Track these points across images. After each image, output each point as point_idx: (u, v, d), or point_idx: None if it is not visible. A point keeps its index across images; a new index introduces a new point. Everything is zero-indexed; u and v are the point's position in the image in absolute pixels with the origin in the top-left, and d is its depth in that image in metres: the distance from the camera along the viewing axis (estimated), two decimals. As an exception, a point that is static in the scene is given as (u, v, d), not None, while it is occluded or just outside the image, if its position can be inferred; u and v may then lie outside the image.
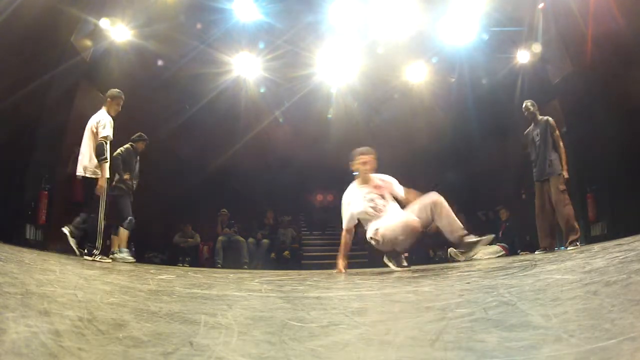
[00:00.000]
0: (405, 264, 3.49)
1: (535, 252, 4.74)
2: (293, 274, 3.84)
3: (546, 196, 4.65)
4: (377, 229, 3.24)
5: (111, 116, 4.32)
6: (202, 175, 7.85)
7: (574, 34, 5.84)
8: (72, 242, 4.18)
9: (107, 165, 4.22)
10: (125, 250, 4.85)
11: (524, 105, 4.92)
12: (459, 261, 5.95)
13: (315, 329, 1.03)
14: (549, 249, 4.59)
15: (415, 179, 7.73)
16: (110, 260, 4.20)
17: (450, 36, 6.83)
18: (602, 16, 5.16)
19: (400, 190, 3.51)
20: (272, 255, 7.48)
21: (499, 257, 6.06)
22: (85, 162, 4.23)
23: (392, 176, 3.61)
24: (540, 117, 4.82)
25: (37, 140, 5.32)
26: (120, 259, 4.75)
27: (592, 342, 0.72)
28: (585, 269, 1.82)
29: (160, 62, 6.90)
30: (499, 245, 6.52)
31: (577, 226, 4.42)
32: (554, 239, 4.64)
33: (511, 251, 6.44)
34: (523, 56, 6.88)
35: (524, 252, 5.90)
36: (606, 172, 5.72)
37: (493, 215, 7.47)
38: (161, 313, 1.19)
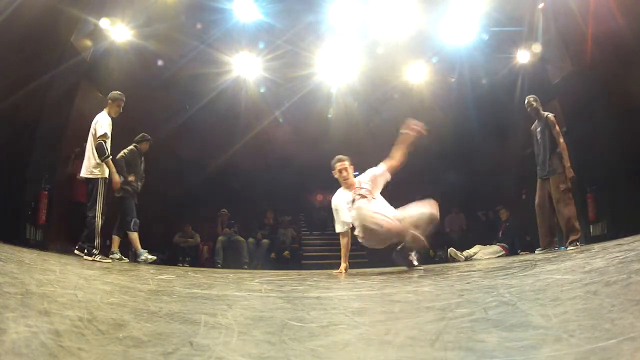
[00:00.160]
0: (415, 263, 3.48)
1: (536, 251, 4.74)
2: (293, 274, 3.84)
3: (546, 194, 4.62)
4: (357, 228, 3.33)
5: (112, 117, 4.41)
6: (202, 175, 7.85)
7: (574, 33, 5.84)
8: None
9: (111, 162, 4.29)
10: (142, 251, 4.87)
11: (526, 101, 4.85)
12: (459, 261, 5.97)
13: (315, 329, 1.03)
14: (548, 247, 4.57)
15: (415, 179, 7.76)
16: (110, 260, 4.21)
17: (450, 36, 6.83)
18: (602, 16, 5.15)
19: (381, 170, 3.54)
20: (272, 255, 7.48)
21: (499, 257, 6.06)
22: (86, 163, 4.33)
23: (392, 176, 3.62)
24: (543, 112, 4.76)
25: (37, 140, 5.32)
26: (143, 260, 4.77)
27: (592, 342, 0.72)
28: (585, 269, 1.82)
29: (160, 62, 6.90)
30: (499, 245, 6.53)
31: (577, 226, 4.38)
32: (554, 238, 4.61)
33: (511, 251, 6.43)
34: (523, 56, 6.88)
35: (524, 252, 5.90)
36: (606, 172, 5.71)
37: (493, 215, 7.47)
38: (161, 313, 1.19)
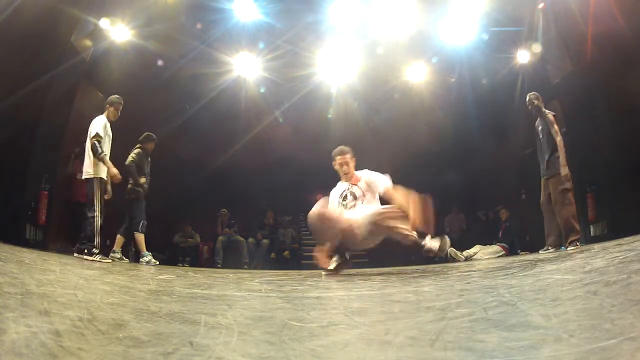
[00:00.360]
0: (332, 267, 3.18)
1: (540, 251, 4.71)
2: (293, 274, 3.84)
3: (547, 194, 4.60)
4: None
5: (111, 121, 4.52)
6: (202, 175, 7.85)
7: (574, 33, 5.84)
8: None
9: (106, 158, 4.31)
10: (146, 253, 4.89)
11: (527, 99, 4.81)
12: (459, 261, 5.97)
13: (315, 329, 1.03)
14: (553, 246, 4.55)
15: (415, 179, 7.75)
16: (110, 261, 4.22)
17: (450, 36, 6.82)
18: (602, 16, 5.15)
19: (381, 187, 3.27)
20: (272, 255, 7.48)
21: (499, 257, 6.06)
22: (84, 163, 4.41)
23: (392, 176, 3.46)
24: (544, 110, 4.71)
25: (37, 140, 5.32)
26: (145, 262, 4.80)
27: (592, 342, 0.72)
28: (585, 269, 1.82)
29: (160, 62, 6.89)
30: (499, 245, 6.53)
31: (577, 227, 4.35)
32: (558, 237, 4.58)
33: (511, 251, 6.44)
34: (523, 56, 6.88)
35: (524, 252, 5.90)
36: (606, 172, 5.71)
37: (493, 215, 7.47)
38: (161, 313, 1.19)
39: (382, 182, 3.27)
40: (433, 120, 8.00)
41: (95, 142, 4.28)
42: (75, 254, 4.23)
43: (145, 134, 5.37)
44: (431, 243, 3.08)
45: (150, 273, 3.20)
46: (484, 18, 6.53)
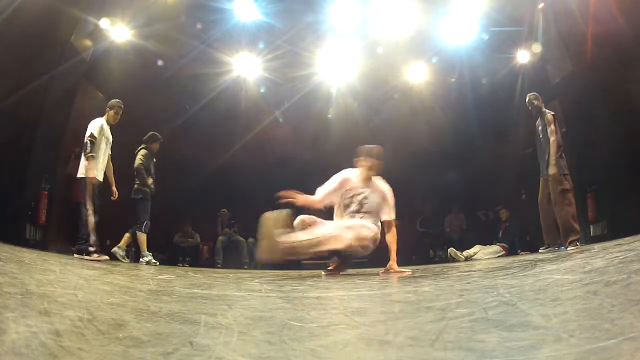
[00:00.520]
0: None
1: (539, 250, 4.72)
2: (293, 274, 3.84)
3: (546, 193, 4.60)
4: None
5: (110, 124, 4.60)
6: (202, 175, 7.84)
7: (574, 34, 5.84)
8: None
9: (92, 159, 4.34)
10: (146, 253, 4.91)
11: (527, 99, 4.82)
12: (459, 261, 5.97)
13: (315, 329, 1.03)
14: (551, 245, 4.55)
15: (415, 179, 7.76)
16: (107, 258, 4.21)
17: (450, 36, 6.82)
18: (602, 16, 5.15)
19: (385, 215, 3.27)
20: (272, 255, 7.47)
21: (499, 257, 6.06)
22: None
23: (392, 176, 3.51)
24: (544, 110, 4.72)
25: (37, 140, 5.32)
26: (145, 262, 4.82)
27: (592, 342, 0.72)
28: (585, 269, 1.82)
29: (160, 62, 6.89)
30: (499, 245, 6.53)
31: (577, 227, 4.35)
32: (557, 237, 4.58)
33: (511, 251, 6.44)
34: (523, 56, 6.88)
35: (524, 252, 5.90)
36: (606, 172, 5.71)
37: (493, 215, 7.47)
38: (161, 313, 1.19)
39: (389, 212, 3.28)
40: (433, 120, 8.00)
41: (88, 141, 4.34)
42: (75, 255, 4.24)
43: (151, 133, 5.38)
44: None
45: (150, 273, 3.20)
46: (484, 18, 6.53)
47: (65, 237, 5.32)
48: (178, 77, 7.18)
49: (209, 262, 7.08)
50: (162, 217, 7.36)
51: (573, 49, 6.01)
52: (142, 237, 4.95)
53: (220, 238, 7.22)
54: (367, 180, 3.32)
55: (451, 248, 6.37)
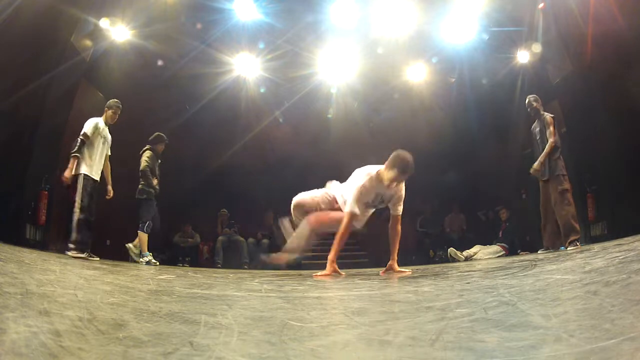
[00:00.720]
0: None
1: (538, 252, 4.73)
2: (293, 274, 3.84)
3: (547, 196, 4.62)
4: None
5: (109, 124, 4.60)
6: (202, 175, 7.84)
7: (574, 34, 5.84)
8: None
9: (74, 160, 4.31)
10: (147, 253, 4.93)
11: (526, 101, 4.84)
12: (459, 261, 5.97)
13: (315, 329, 1.03)
14: (552, 248, 4.57)
15: (415, 179, 7.74)
16: (84, 255, 4.08)
17: (450, 36, 6.83)
18: (602, 16, 5.15)
19: (395, 210, 3.23)
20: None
21: (499, 257, 6.07)
22: None
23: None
24: (543, 112, 4.75)
25: (37, 140, 5.32)
26: (145, 262, 4.83)
27: (592, 342, 0.72)
28: (585, 269, 1.82)
29: (160, 62, 6.89)
30: (499, 245, 6.53)
31: (577, 226, 4.37)
32: (558, 239, 4.60)
33: (511, 251, 6.44)
34: (523, 56, 6.88)
35: (524, 252, 5.90)
36: (606, 172, 5.71)
37: (493, 215, 7.48)
38: (161, 313, 1.19)
39: (399, 208, 3.25)
40: (433, 120, 8.00)
41: (79, 140, 4.34)
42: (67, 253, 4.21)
43: (156, 134, 5.41)
44: None
45: (150, 273, 3.20)
46: (484, 18, 6.53)
47: (65, 237, 5.32)
48: (178, 77, 7.18)
49: (209, 262, 7.08)
50: (162, 217, 7.37)
51: (573, 49, 6.01)
52: (143, 237, 4.99)
53: (220, 238, 7.22)
54: (388, 187, 3.15)
55: (451, 248, 6.37)
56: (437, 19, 6.64)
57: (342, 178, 3.50)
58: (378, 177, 3.09)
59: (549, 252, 4.48)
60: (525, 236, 6.74)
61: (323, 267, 3.10)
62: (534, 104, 4.79)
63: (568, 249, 4.22)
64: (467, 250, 6.29)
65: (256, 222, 8.03)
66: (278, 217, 8.24)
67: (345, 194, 3.22)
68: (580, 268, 1.91)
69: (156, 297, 1.60)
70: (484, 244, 6.53)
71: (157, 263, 5.01)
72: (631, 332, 0.76)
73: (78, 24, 5.61)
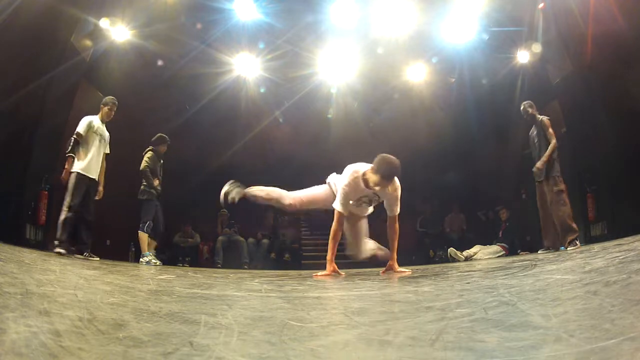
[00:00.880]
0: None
1: (539, 252, 4.74)
2: (293, 274, 3.84)
3: (544, 197, 4.67)
4: None
5: (105, 121, 4.57)
6: (202, 175, 7.84)
7: (574, 34, 5.84)
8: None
9: (70, 160, 4.30)
10: (147, 253, 4.93)
11: (521, 108, 4.94)
12: (459, 261, 5.97)
13: (315, 329, 1.03)
14: (552, 248, 4.59)
15: (415, 179, 7.75)
16: (64, 252, 4.04)
17: (450, 36, 6.83)
18: (602, 16, 5.15)
19: (391, 211, 3.16)
20: (272, 255, 7.48)
21: (499, 257, 6.07)
22: None
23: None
24: (538, 117, 4.83)
25: (37, 140, 5.32)
26: (145, 262, 4.83)
27: (592, 342, 0.72)
28: (585, 269, 1.82)
29: (160, 62, 6.89)
30: (499, 245, 6.53)
31: (574, 226, 4.42)
32: (557, 239, 4.63)
33: (511, 251, 6.44)
34: (523, 56, 6.88)
35: (524, 252, 5.90)
36: (606, 172, 5.71)
37: (493, 215, 7.48)
38: (161, 313, 1.19)
39: (395, 209, 3.16)
40: (433, 120, 8.00)
41: (72, 139, 4.33)
42: (76, 255, 4.24)
43: (158, 135, 5.42)
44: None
45: (150, 273, 3.20)
46: (484, 18, 6.53)
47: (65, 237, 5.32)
48: (178, 77, 7.18)
49: (209, 262, 7.08)
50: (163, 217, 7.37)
51: (573, 49, 6.01)
52: (144, 237, 5.00)
53: (220, 238, 7.22)
54: (370, 188, 3.09)
55: (451, 248, 6.37)
56: (437, 19, 6.64)
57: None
58: (364, 178, 3.04)
59: (549, 252, 4.50)
60: (525, 236, 6.74)
61: (323, 267, 3.10)
62: (529, 110, 4.88)
63: (568, 248, 4.25)
64: (467, 250, 6.29)
65: (256, 222, 8.03)
66: (278, 217, 8.27)
67: (337, 188, 3.23)
68: (580, 268, 1.91)
69: (156, 297, 1.60)
70: (484, 244, 6.53)
71: (158, 263, 5.00)
72: (631, 332, 0.76)
73: (78, 24, 5.61)
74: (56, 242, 4.12)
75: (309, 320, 1.16)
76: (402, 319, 1.12)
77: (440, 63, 7.47)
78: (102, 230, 5.42)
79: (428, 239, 7.93)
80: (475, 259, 6.04)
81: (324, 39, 6.95)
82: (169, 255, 6.97)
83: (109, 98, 4.64)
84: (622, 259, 1.90)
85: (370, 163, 3.02)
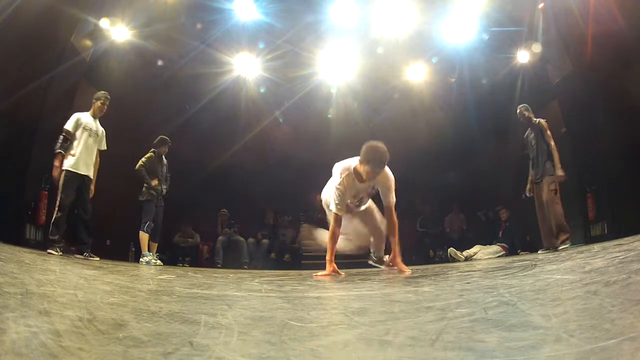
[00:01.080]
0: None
1: (539, 252, 4.76)
2: (293, 274, 3.85)
3: (541, 197, 4.72)
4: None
5: (97, 117, 4.52)
6: (202, 175, 7.84)
7: (574, 34, 5.84)
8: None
9: (59, 157, 4.27)
10: (147, 253, 4.94)
11: (518, 111, 5.00)
12: (459, 261, 5.97)
13: (315, 329, 1.03)
14: (552, 248, 4.61)
15: (415, 179, 7.75)
16: (55, 252, 4.00)
17: (450, 36, 6.83)
18: (602, 16, 5.15)
19: (386, 200, 3.11)
20: (272, 255, 7.48)
21: (499, 257, 6.06)
22: None
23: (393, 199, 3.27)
24: (535, 119, 4.90)
25: (37, 140, 5.32)
26: (145, 262, 4.83)
27: (592, 342, 0.72)
28: (585, 269, 1.82)
29: (160, 62, 6.90)
30: (499, 245, 6.53)
31: (567, 226, 4.52)
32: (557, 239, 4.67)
33: (511, 251, 6.44)
34: (523, 56, 6.88)
35: (524, 252, 5.90)
36: (606, 172, 5.71)
37: (493, 215, 7.48)
38: (161, 313, 1.19)
39: (390, 198, 3.09)
40: (433, 120, 8.00)
41: (60, 136, 4.30)
42: (76, 255, 4.24)
43: (160, 137, 5.44)
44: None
45: (150, 273, 3.20)
46: (484, 18, 6.53)
47: (65, 237, 5.32)
48: (178, 77, 7.18)
49: (209, 262, 7.08)
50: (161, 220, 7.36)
51: (573, 49, 6.01)
52: (144, 237, 5.02)
53: (220, 238, 7.22)
54: (365, 181, 3.07)
55: (451, 248, 6.37)
56: (437, 19, 6.64)
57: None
58: (356, 173, 3.00)
59: (549, 252, 4.50)
60: (525, 236, 6.74)
61: (323, 267, 3.10)
62: (526, 113, 4.95)
63: (559, 248, 4.33)
64: (467, 250, 6.29)
65: (256, 222, 8.03)
66: (278, 217, 8.27)
67: (329, 191, 3.21)
68: (580, 268, 1.91)
69: (156, 297, 1.60)
70: (484, 244, 6.53)
71: (157, 263, 5.00)
72: (631, 332, 0.76)
73: (78, 24, 5.61)
74: (49, 242, 4.10)
75: (309, 320, 1.16)
76: (402, 319, 1.12)
77: (440, 63, 7.47)
78: (102, 230, 5.42)
79: (428, 239, 7.93)
80: (475, 259, 6.04)
81: (324, 39, 6.95)
82: (169, 255, 6.97)
83: (101, 93, 4.57)
84: (622, 259, 1.90)
85: (357, 156, 2.97)
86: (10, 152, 4.83)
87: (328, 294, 1.94)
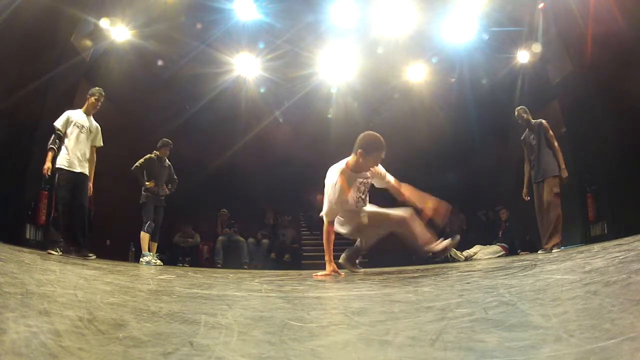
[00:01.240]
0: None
1: (539, 252, 4.76)
2: (293, 274, 3.84)
3: (542, 197, 4.70)
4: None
5: (90, 113, 4.46)
6: (203, 175, 7.84)
7: (574, 34, 5.84)
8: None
9: (51, 153, 4.23)
10: (147, 253, 4.95)
11: (516, 114, 4.98)
12: (459, 261, 5.97)
13: (315, 329, 1.03)
14: (542, 250, 4.62)
15: (415, 179, 7.74)
16: (55, 253, 3.99)
17: (450, 36, 6.83)
18: (602, 16, 5.16)
19: (384, 182, 3.20)
20: (272, 255, 7.49)
21: (499, 257, 6.07)
22: None
23: (392, 176, 3.40)
24: (534, 121, 4.88)
25: (37, 140, 5.32)
26: (145, 262, 4.83)
27: (592, 342, 0.72)
28: (585, 269, 1.82)
29: (160, 62, 6.90)
30: (499, 245, 6.53)
31: (560, 229, 4.52)
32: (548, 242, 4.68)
33: (511, 251, 6.44)
34: (523, 56, 6.88)
35: (524, 252, 5.90)
36: (606, 172, 5.72)
37: (493, 215, 7.48)
38: (161, 313, 1.18)
39: (389, 180, 3.18)
40: (433, 120, 8.00)
41: (54, 134, 4.27)
42: (74, 255, 4.23)
43: (162, 139, 5.46)
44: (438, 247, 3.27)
45: (150, 273, 3.20)
46: (484, 18, 6.53)
47: (65, 237, 5.32)
48: (178, 77, 7.19)
49: (209, 262, 7.08)
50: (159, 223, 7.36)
51: (573, 49, 6.02)
52: (145, 237, 5.03)
53: (220, 238, 7.22)
54: (366, 171, 3.13)
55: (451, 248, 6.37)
56: (437, 19, 6.65)
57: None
58: (349, 167, 3.06)
59: (547, 252, 4.50)
60: (525, 236, 6.74)
61: (323, 267, 3.10)
62: (524, 115, 4.92)
63: (553, 250, 4.32)
64: (467, 250, 6.29)
65: (256, 222, 8.03)
66: (278, 217, 8.27)
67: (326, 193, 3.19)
68: (580, 268, 1.90)
69: (156, 297, 1.60)
70: (484, 244, 6.53)
71: (157, 263, 5.00)
72: (631, 332, 0.76)
73: (78, 24, 5.62)
74: (48, 242, 4.13)
75: (309, 320, 1.16)
76: (402, 319, 1.12)
77: (440, 63, 7.47)
78: (102, 230, 5.42)
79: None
80: (475, 259, 6.04)
81: (324, 39, 6.95)
82: (169, 255, 6.98)
83: (95, 89, 4.50)
84: (622, 259, 1.90)
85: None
86: (10, 152, 4.83)
87: (328, 294, 1.94)
